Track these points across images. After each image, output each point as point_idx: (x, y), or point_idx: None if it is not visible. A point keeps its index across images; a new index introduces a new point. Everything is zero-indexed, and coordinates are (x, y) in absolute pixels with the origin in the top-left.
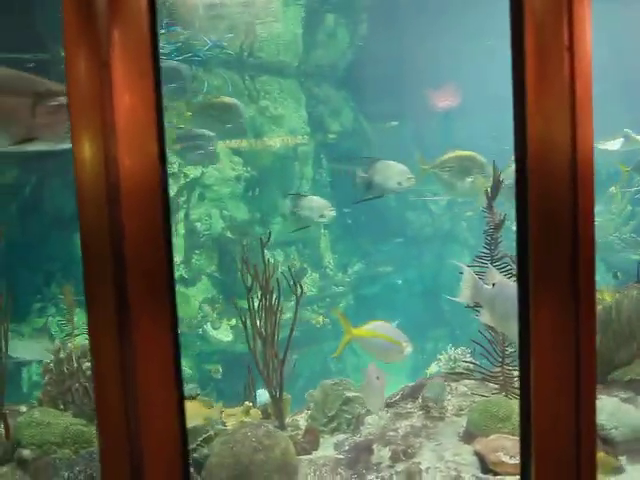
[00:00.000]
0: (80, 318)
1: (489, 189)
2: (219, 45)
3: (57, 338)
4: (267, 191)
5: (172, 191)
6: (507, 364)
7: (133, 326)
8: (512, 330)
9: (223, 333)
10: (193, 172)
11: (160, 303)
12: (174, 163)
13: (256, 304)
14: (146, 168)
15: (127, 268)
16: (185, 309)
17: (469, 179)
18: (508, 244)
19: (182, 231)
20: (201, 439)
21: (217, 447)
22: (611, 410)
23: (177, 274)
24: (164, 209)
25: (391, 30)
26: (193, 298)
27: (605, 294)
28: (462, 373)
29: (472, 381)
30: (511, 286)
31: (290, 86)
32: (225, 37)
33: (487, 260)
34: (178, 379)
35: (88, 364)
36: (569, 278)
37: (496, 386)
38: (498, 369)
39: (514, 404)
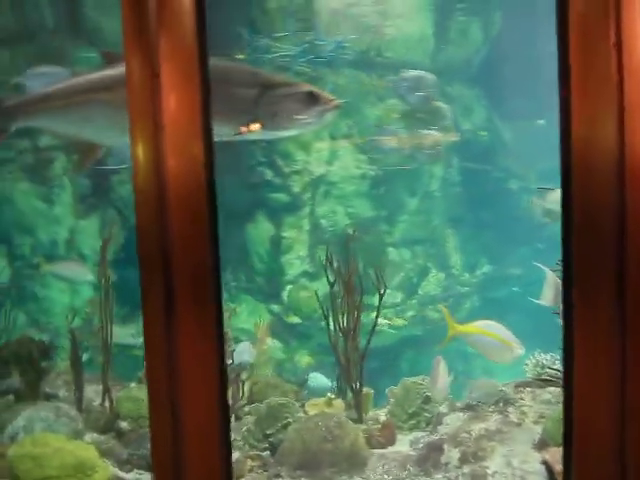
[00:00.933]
0: None
1: None
2: (342, 46)
3: None
4: (393, 190)
5: (297, 188)
6: None
7: (179, 323)
8: None
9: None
10: (317, 169)
11: (204, 303)
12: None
13: (339, 300)
14: (191, 169)
15: (174, 269)
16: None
17: None
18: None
19: (307, 227)
20: (280, 425)
21: (290, 433)
22: None
23: (301, 269)
24: (211, 209)
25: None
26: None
27: None
28: (549, 380)
29: (557, 389)
30: None
31: None
32: (349, 38)
33: None
34: (221, 375)
35: None
36: (615, 280)
37: None
38: None
39: None
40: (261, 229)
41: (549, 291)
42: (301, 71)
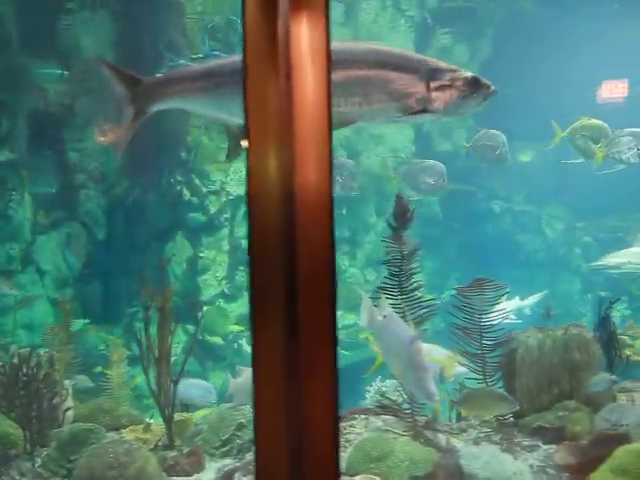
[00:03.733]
0: None
1: (393, 219)
2: None
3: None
4: (359, 211)
5: (214, 208)
6: (416, 404)
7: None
8: (393, 365)
9: None
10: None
11: (326, 325)
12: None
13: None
14: (320, 180)
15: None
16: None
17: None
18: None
19: (226, 248)
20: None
21: (82, 460)
22: (487, 459)
23: (219, 290)
24: (331, 223)
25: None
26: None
27: (531, 333)
28: (386, 407)
29: (393, 417)
30: (397, 321)
31: None
32: None
33: (396, 292)
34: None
35: None
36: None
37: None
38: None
39: (395, 445)
40: (179, 249)
41: (365, 315)
42: None
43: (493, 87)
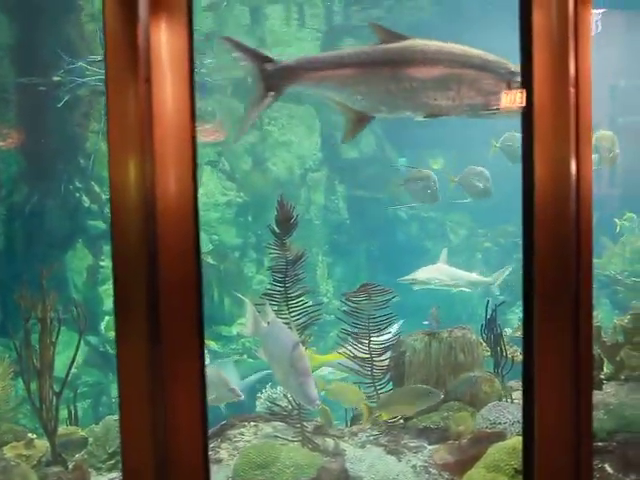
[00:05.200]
0: None
1: (276, 225)
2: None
3: None
4: (265, 217)
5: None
6: (302, 409)
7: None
8: (276, 371)
9: None
10: None
11: (191, 334)
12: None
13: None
14: (182, 189)
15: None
16: None
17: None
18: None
19: None
20: None
21: None
22: (372, 461)
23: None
24: (195, 232)
25: None
26: None
27: (418, 336)
28: (276, 413)
29: (282, 423)
30: (280, 327)
31: (304, 112)
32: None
33: (281, 298)
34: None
35: None
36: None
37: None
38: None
39: (280, 451)
40: (79, 257)
41: (250, 323)
42: None
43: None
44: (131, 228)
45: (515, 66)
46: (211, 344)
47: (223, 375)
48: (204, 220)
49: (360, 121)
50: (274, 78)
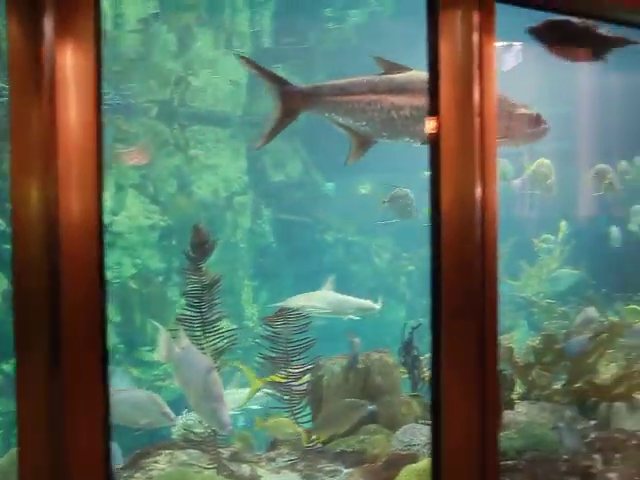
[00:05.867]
0: None
1: (191, 249)
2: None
3: None
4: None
5: None
6: (218, 435)
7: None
8: (190, 397)
9: None
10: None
11: (93, 355)
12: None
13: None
14: (85, 214)
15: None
16: None
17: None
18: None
19: None
20: None
21: None
22: None
23: None
24: (99, 256)
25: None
26: None
27: (336, 360)
28: (191, 440)
29: (198, 451)
30: (194, 353)
31: (229, 136)
32: (143, 86)
33: (197, 323)
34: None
35: None
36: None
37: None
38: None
39: (195, 479)
40: None
41: (163, 348)
42: None
43: (546, 127)
44: (33, 252)
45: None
46: (133, 371)
47: (157, 398)
48: (127, 244)
49: (364, 144)
50: (292, 100)
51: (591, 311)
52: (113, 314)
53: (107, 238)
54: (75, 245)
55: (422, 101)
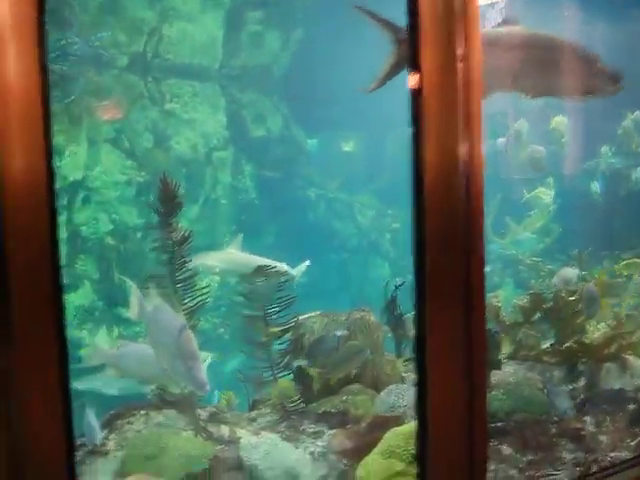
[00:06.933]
0: None
1: (160, 204)
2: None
3: None
4: None
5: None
6: (194, 397)
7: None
8: (161, 355)
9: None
10: (73, 175)
11: (45, 312)
12: None
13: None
14: (31, 168)
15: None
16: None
17: None
18: None
19: (64, 235)
20: None
21: None
22: (267, 449)
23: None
24: (50, 211)
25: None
26: (70, 305)
27: (317, 319)
28: (167, 401)
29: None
30: (165, 312)
31: (207, 90)
32: (115, 37)
33: (167, 280)
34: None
35: None
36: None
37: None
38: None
39: (172, 440)
40: None
41: (134, 306)
42: (56, 69)
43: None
44: None
45: None
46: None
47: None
48: (103, 199)
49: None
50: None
51: (569, 271)
52: (91, 271)
53: (81, 193)
54: (20, 215)
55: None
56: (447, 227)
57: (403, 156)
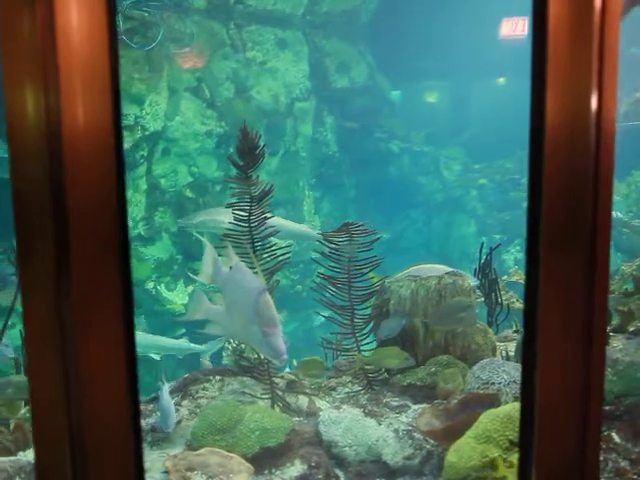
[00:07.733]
0: None
1: (239, 156)
2: None
3: None
4: None
5: (127, 144)
6: (270, 365)
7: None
8: (235, 319)
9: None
10: (154, 125)
11: (108, 263)
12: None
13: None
14: (96, 118)
15: (70, 224)
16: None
17: None
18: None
19: (144, 187)
20: None
21: None
22: (348, 425)
23: (135, 232)
24: (118, 164)
25: None
26: (149, 257)
27: (404, 283)
28: (243, 367)
29: (250, 379)
30: (244, 272)
31: (289, 38)
32: None
33: (245, 240)
34: (129, 347)
35: None
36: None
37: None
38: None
39: (248, 412)
40: None
41: (207, 267)
42: (136, 15)
43: None
44: (33, 174)
45: None
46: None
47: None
48: (183, 151)
49: None
50: None
51: None
52: (170, 224)
53: (161, 145)
54: (83, 165)
55: None
56: (571, 184)
57: (492, 108)
